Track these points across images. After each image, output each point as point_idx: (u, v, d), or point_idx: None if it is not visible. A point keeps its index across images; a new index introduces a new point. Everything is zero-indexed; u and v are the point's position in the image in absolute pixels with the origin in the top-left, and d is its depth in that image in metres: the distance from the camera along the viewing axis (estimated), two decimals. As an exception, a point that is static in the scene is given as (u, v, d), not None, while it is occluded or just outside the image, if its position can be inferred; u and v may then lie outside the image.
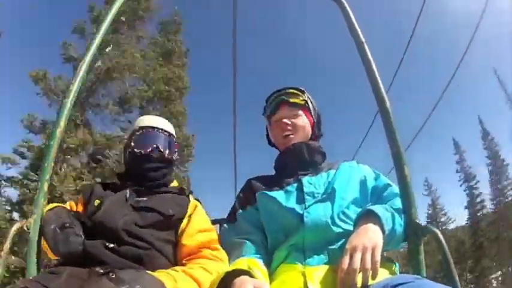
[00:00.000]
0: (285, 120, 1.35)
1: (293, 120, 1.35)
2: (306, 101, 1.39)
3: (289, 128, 1.34)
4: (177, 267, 1.09)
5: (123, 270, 0.90)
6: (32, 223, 0.98)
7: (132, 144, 1.32)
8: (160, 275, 0.97)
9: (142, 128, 1.36)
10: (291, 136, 1.34)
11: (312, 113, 1.41)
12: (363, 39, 1.32)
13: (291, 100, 1.37)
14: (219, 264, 1.12)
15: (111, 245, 1.07)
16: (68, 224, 1.07)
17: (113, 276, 0.85)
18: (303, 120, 1.37)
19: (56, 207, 1.15)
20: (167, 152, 1.35)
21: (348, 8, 1.39)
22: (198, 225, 1.23)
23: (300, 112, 1.37)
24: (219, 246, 1.18)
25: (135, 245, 1.09)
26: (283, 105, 1.37)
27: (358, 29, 1.35)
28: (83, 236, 1.07)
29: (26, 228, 0.96)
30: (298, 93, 1.40)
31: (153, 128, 1.36)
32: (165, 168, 1.36)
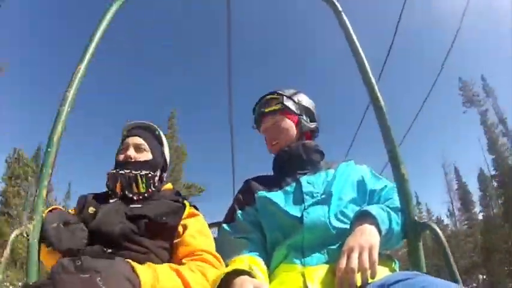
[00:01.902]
0: (267, 132, 1.41)
1: (274, 129, 1.39)
2: (282, 103, 1.39)
3: (272, 137, 1.39)
4: (171, 264, 1.07)
5: (95, 259, 0.87)
6: (32, 229, 0.98)
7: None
8: (141, 267, 0.94)
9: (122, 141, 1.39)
10: (276, 143, 1.38)
11: (296, 111, 1.40)
12: (360, 48, 1.33)
13: (267, 110, 1.40)
14: (217, 272, 1.08)
15: (110, 250, 1.07)
16: (72, 221, 1.07)
17: (79, 263, 0.84)
18: (284, 124, 1.38)
19: (55, 209, 1.15)
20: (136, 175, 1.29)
21: (342, 13, 1.41)
22: (198, 228, 1.23)
23: (279, 117, 1.38)
24: (217, 254, 1.17)
25: (132, 250, 1.09)
26: (263, 117, 1.42)
27: (354, 36, 1.36)
28: (86, 231, 1.08)
29: (25, 235, 0.96)
30: (274, 98, 1.42)
31: (125, 139, 1.37)
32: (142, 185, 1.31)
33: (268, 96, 1.44)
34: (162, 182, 1.43)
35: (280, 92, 1.43)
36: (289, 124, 1.38)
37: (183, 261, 1.13)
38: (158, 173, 1.39)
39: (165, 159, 1.44)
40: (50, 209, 1.14)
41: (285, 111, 1.39)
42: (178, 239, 1.20)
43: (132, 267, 0.90)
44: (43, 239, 1.00)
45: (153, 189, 1.32)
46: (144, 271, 0.91)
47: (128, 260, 0.93)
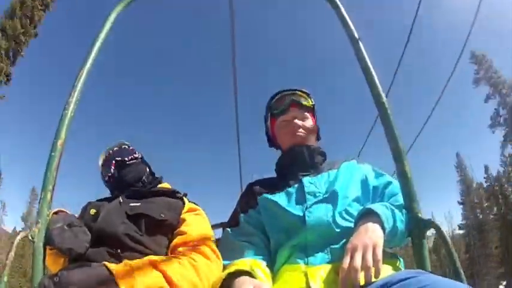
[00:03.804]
0: (296, 120, 1.35)
1: (303, 122, 1.36)
2: (314, 105, 1.42)
3: (300, 129, 1.35)
4: (153, 258, 1.07)
5: (72, 272, 0.91)
6: (37, 232, 0.99)
7: (101, 171, 1.47)
8: (117, 267, 0.96)
9: (102, 164, 1.49)
10: (301, 134, 1.34)
11: (316, 117, 1.43)
12: (356, 35, 1.32)
13: (302, 102, 1.39)
14: (211, 268, 1.09)
15: (115, 251, 1.08)
16: (76, 223, 1.09)
17: (57, 280, 0.87)
18: (311, 123, 1.39)
19: (60, 211, 1.17)
20: (125, 159, 1.44)
21: (341, 7, 1.40)
22: (197, 220, 1.24)
23: (308, 115, 1.39)
24: (216, 248, 1.17)
25: (137, 250, 1.10)
26: (294, 106, 1.38)
27: (351, 25, 1.35)
28: (90, 235, 1.09)
29: (30, 238, 0.97)
30: (307, 96, 1.42)
31: (106, 158, 1.48)
32: (134, 169, 1.44)
33: (300, 92, 1.43)
34: (155, 177, 1.49)
35: (309, 93, 1.44)
36: (314, 125, 1.41)
37: (179, 249, 1.14)
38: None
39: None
40: (55, 211, 1.16)
41: (314, 112, 1.43)
42: (177, 230, 1.21)
43: (108, 270, 0.92)
44: (46, 239, 1.02)
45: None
46: (120, 271, 0.93)
47: (104, 263, 0.96)
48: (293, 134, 1.34)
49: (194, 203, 1.34)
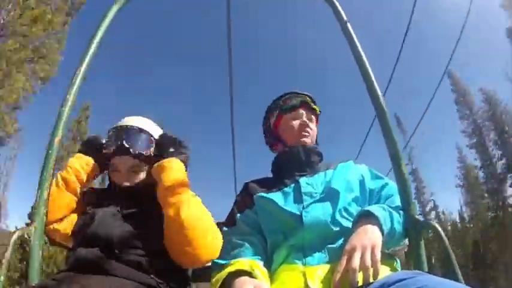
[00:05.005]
0: (306, 120, 1.39)
1: (311, 124, 1.40)
2: (320, 112, 1.46)
3: (308, 129, 1.38)
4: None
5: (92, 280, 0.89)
6: (33, 231, 0.98)
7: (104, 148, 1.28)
8: None
9: (110, 130, 1.30)
10: (307, 137, 1.37)
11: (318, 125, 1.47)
12: (357, 41, 1.33)
13: (313, 106, 1.44)
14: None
15: (110, 253, 1.07)
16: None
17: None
18: (315, 128, 1.43)
19: None
20: (134, 147, 1.24)
21: (340, 8, 1.41)
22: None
23: (314, 119, 1.44)
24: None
25: (132, 253, 1.09)
26: (305, 106, 1.42)
27: (352, 30, 1.36)
28: None
29: (27, 236, 0.96)
30: (314, 101, 1.47)
31: (119, 127, 1.29)
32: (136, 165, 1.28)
33: (310, 98, 1.47)
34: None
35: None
36: (316, 132, 1.45)
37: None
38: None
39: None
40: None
41: (317, 119, 1.47)
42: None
43: None
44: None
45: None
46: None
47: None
48: (300, 131, 1.38)
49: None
